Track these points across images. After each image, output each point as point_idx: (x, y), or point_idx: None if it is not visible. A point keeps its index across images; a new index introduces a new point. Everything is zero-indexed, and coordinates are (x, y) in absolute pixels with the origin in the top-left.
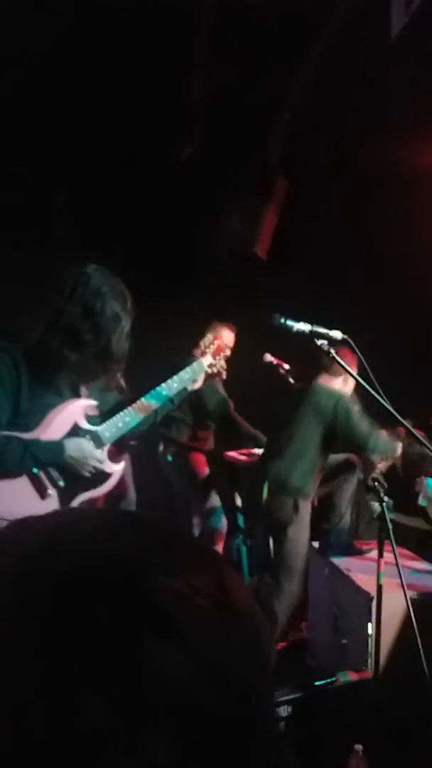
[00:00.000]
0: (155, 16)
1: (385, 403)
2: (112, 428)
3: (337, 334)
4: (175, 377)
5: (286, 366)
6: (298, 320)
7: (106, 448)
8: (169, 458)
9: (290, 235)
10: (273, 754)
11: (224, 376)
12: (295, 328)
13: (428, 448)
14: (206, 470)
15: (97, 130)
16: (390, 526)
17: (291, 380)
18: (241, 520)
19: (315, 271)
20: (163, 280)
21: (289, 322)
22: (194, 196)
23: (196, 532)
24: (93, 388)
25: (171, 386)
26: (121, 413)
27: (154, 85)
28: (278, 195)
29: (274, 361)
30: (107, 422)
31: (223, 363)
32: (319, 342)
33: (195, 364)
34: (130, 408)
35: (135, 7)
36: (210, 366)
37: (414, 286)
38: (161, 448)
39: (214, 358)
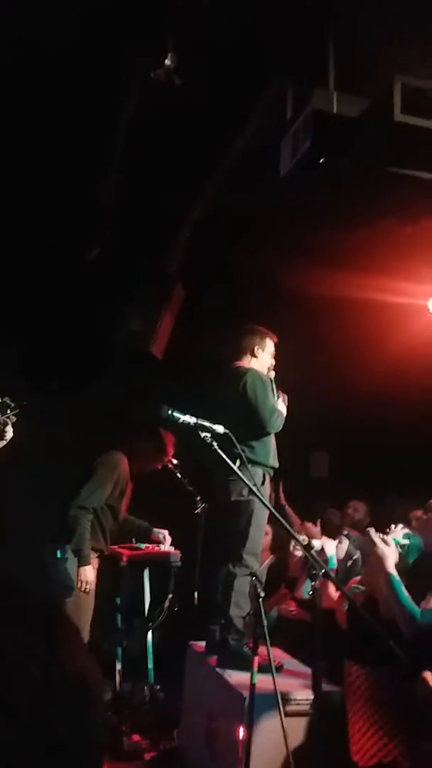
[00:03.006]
0: (73, 117)
1: (267, 505)
2: None
3: (219, 428)
4: None
5: (174, 461)
6: (184, 413)
7: None
8: (59, 554)
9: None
10: None
11: None
12: (181, 420)
13: (311, 557)
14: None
15: (6, 224)
16: (265, 622)
17: (178, 474)
18: (119, 620)
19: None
20: (60, 372)
21: (176, 414)
22: (97, 295)
23: None
24: None
25: None
26: None
27: (66, 187)
28: (176, 301)
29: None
30: None
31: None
32: (203, 434)
33: None
34: None
35: (55, 110)
36: None
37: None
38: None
39: None
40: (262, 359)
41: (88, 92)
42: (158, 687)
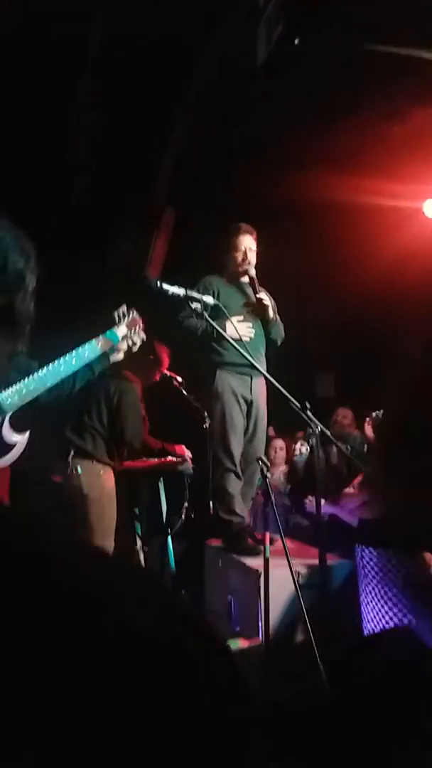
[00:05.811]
0: (43, 46)
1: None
2: (14, 396)
3: (209, 299)
4: (86, 344)
5: (179, 378)
6: (173, 285)
7: (8, 416)
8: (80, 470)
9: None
10: None
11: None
12: (170, 292)
13: (307, 417)
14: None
15: None
16: (272, 498)
17: (184, 392)
18: (138, 528)
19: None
20: (58, 310)
21: (165, 286)
22: (87, 228)
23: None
24: None
25: (82, 354)
26: (26, 380)
27: (44, 118)
28: (167, 224)
29: (168, 373)
30: (9, 389)
31: (140, 337)
32: (194, 305)
33: (108, 333)
34: (37, 374)
35: (24, 39)
36: (124, 338)
37: (297, 303)
38: (70, 457)
39: (129, 330)
40: (227, 263)
41: (55, 18)
42: (183, 592)
